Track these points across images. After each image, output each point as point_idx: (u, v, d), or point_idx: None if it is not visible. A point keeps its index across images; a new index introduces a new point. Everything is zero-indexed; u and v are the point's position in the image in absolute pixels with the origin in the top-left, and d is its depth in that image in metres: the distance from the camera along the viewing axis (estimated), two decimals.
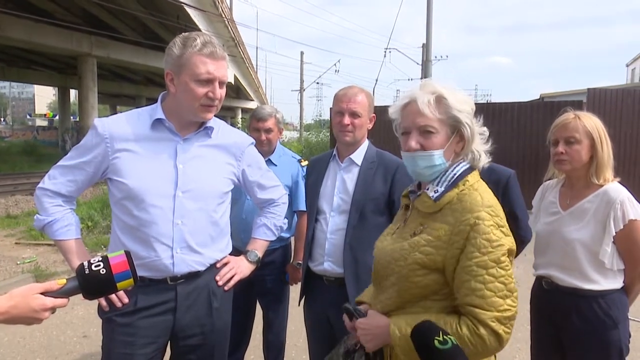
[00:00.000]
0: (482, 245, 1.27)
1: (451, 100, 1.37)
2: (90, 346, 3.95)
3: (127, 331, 1.78)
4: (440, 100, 1.38)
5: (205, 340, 1.90)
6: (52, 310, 1.22)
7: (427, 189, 1.42)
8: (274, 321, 3.08)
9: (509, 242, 1.31)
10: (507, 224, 1.34)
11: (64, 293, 1.22)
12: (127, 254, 1.28)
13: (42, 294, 1.21)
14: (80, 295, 1.25)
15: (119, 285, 1.25)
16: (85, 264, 1.24)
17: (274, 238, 2.19)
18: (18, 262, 6.42)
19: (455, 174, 1.40)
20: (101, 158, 1.78)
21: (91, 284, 1.23)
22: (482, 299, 1.26)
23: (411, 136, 1.40)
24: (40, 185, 1.84)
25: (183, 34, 1.81)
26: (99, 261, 1.24)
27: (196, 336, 1.89)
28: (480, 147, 1.44)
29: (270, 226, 2.15)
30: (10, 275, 5.88)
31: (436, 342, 0.91)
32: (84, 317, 4.53)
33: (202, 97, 1.74)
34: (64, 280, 1.24)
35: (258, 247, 2.12)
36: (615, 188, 2.00)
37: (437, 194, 1.39)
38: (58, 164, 1.85)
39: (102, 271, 1.23)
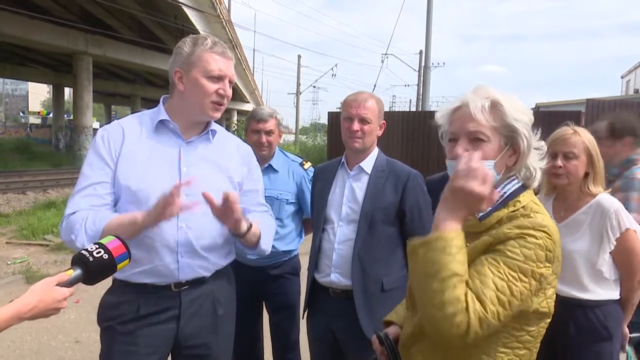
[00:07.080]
0: (511, 251, 1.14)
1: (507, 107, 1.23)
2: (82, 351, 3.85)
3: (128, 340, 1.71)
4: (495, 106, 1.24)
5: (209, 351, 1.83)
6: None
7: None
8: (289, 336, 2.86)
9: (548, 273, 1.19)
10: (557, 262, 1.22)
11: (71, 282, 1.31)
12: (118, 237, 1.39)
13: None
14: (71, 300, 1.31)
15: (118, 266, 1.37)
16: (85, 253, 1.31)
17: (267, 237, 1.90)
18: (9, 262, 6.29)
19: (506, 192, 1.26)
20: (109, 169, 1.71)
21: (95, 269, 1.32)
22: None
23: (459, 143, 1.25)
24: (63, 218, 1.70)
25: (192, 35, 1.81)
26: (97, 248, 1.33)
27: (200, 346, 1.82)
28: (536, 163, 1.30)
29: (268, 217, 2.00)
30: (0, 276, 5.76)
31: None
32: (75, 321, 4.42)
33: (213, 93, 1.73)
34: (71, 271, 1.31)
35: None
36: (607, 199, 2.05)
37: (483, 213, 1.24)
38: (73, 192, 1.72)
39: (105, 256, 1.33)
